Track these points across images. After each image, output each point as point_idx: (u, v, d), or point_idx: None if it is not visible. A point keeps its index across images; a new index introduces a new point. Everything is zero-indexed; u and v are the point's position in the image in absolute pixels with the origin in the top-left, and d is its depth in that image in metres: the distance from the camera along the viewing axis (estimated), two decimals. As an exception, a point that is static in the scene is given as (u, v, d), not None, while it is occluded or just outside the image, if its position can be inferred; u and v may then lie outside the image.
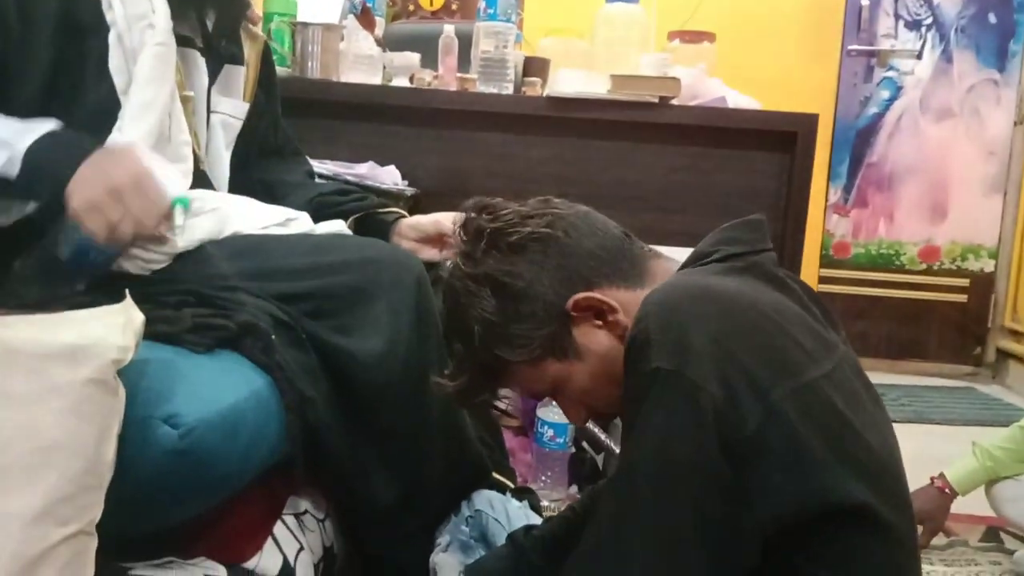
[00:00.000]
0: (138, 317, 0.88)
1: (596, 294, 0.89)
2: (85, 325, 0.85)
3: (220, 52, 1.36)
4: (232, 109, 1.40)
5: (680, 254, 2.23)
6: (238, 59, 1.40)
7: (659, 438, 0.75)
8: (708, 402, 0.73)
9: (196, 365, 0.97)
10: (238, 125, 1.41)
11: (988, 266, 3.80)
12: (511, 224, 0.91)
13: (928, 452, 2.10)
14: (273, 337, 1.05)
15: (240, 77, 1.41)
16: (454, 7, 3.74)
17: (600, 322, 0.89)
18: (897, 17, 3.73)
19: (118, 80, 1.16)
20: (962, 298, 3.83)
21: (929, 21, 3.71)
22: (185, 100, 1.26)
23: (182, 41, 1.26)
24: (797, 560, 0.76)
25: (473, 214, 0.93)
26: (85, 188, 1.01)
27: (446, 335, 0.97)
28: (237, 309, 1.06)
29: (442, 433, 1.20)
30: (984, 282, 3.81)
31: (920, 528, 1.72)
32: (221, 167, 1.37)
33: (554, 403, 1.86)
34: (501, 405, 1.01)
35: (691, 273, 0.88)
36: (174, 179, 1.10)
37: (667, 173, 1.94)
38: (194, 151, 1.28)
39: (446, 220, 1.36)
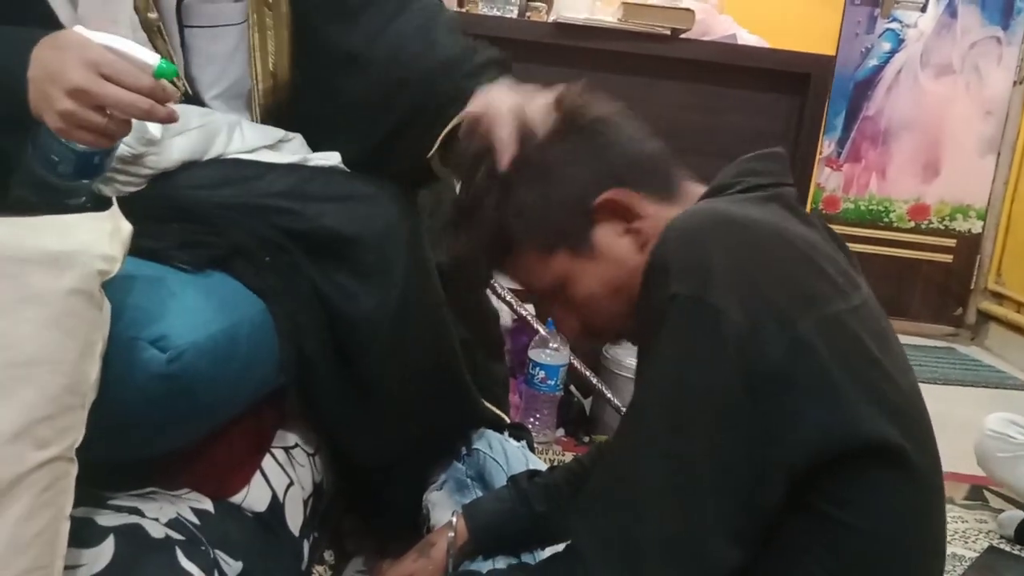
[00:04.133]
0: (126, 227, 0.80)
1: (626, 197, 0.84)
2: (69, 230, 0.77)
3: None
4: (219, 16, 1.17)
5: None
6: None
7: (677, 367, 0.71)
8: (730, 329, 0.68)
9: (186, 284, 0.90)
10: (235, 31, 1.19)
11: (976, 227, 3.78)
12: (574, 108, 0.87)
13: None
14: (268, 259, 0.97)
15: None
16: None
17: (624, 227, 0.85)
18: (904, -34, 3.63)
19: (62, 15, 1.02)
20: (947, 258, 3.81)
21: (936, -28, 3.63)
22: (150, 25, 1.09)
23: None
24: (817, 501, 0.72)
25: None
26: (47, 101, 0.84)
27: (472, 195, 0.90)
28: (229, 227, 0.98)
29: (434, 390, 1.14)
30: (971, 243, 3.79)
31: None
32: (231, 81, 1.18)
33: (548, 345, 1.81)
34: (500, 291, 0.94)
35: (714, 201, 0.83)
36: (140, 49, 0.89)
37: (677, 111, 1.86)
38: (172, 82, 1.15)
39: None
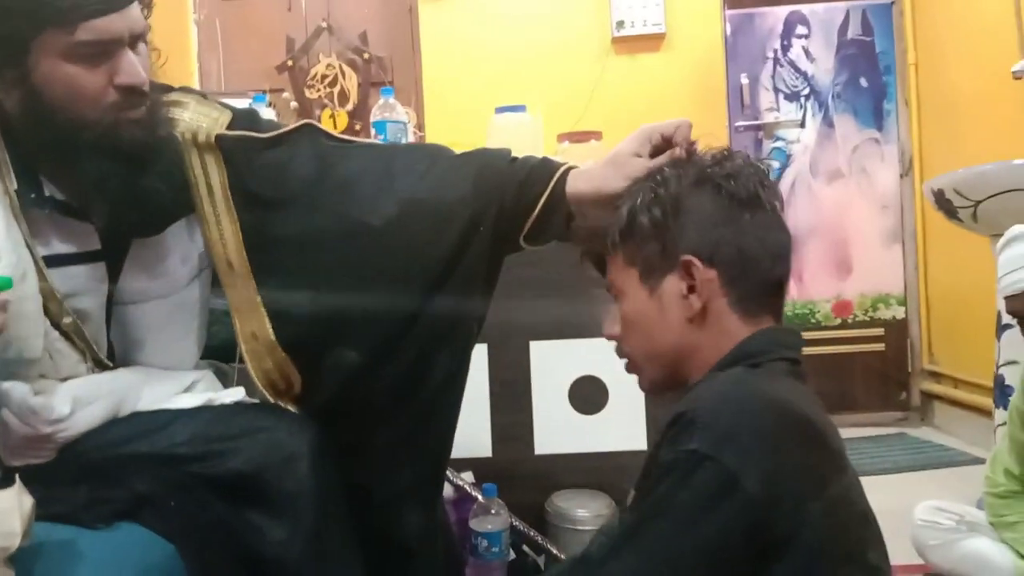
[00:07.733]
0: (27, 501, 0.87)
1: (704, 275, 0.94)
2: (-29, 514, 0.84)
3: (118, 231, 1.15)
4: (161, 287, 1.22)
5: (576, 345, 2.20)
6: (148, 224, 1.16)
7: (682, 515, 0.78)
8: (741, 496, 0.76)
9: (94, 543, 0.96)
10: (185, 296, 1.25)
11: (899, 313, 3.94)
12: (735, 174, 0.96)
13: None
14: (172, 504, 1.04)
15: (160, 247, 1.20)
16: (357, 127, 3.83)
17: (686, 290, 0.95)
18: (777, 91, 3.94)
19: None
20: (880, 347, 3.95)
21: (807, 91, 3.93)
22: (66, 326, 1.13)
23: (56, 261, 1.11)
24: None
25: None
26: None
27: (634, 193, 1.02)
28: (133, 477, 1.05)
29: None
30: (898, 329, 3.94)
31: None
32: (165, 348, 1.24)
33: (489, 512, 1.86)
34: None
35: (750, 373, 0.91)
36: None
37: (571, 267, 1.98)
38: (97, 360, 1.17)
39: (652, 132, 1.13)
